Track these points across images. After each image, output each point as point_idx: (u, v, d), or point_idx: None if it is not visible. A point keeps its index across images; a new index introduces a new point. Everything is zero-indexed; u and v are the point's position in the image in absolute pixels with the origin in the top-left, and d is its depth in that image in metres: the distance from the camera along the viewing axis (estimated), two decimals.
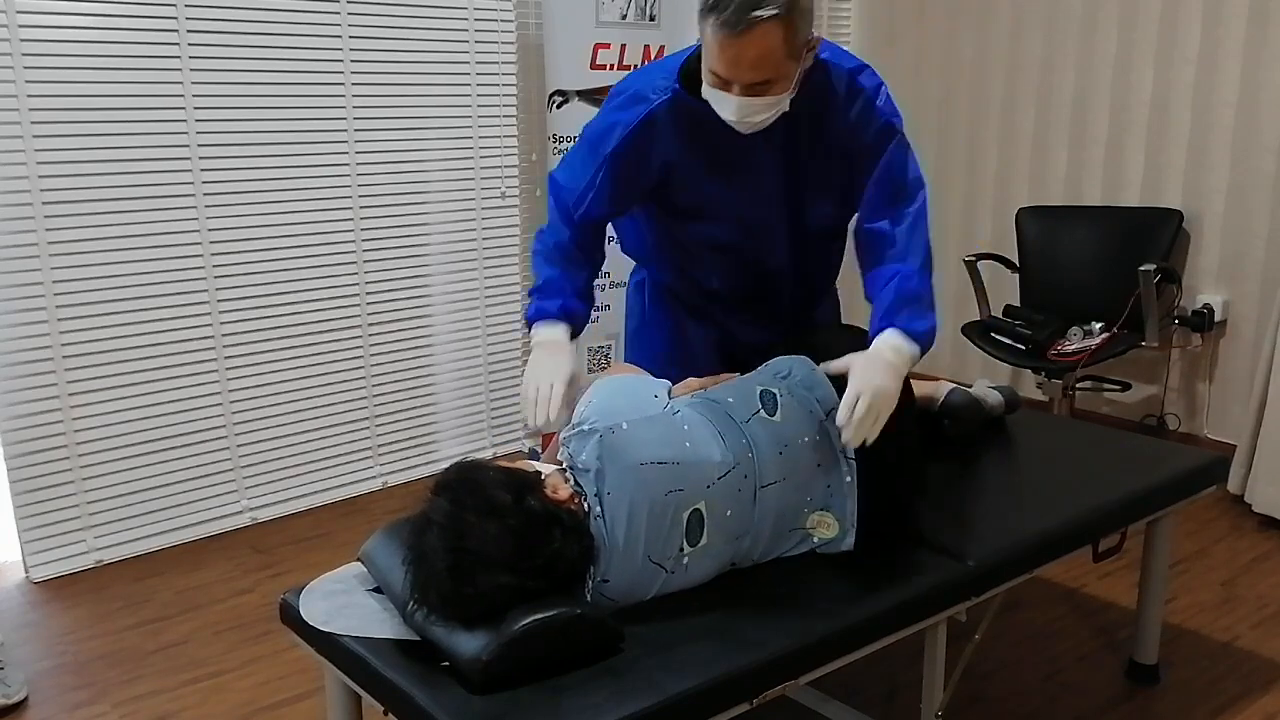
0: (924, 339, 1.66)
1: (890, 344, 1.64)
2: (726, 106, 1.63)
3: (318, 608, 1.54)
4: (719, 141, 1.73)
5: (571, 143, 3.20)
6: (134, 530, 2.95)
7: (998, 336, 3.46)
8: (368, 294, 3.28)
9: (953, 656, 1.78)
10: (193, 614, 2.63)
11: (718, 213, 1.87)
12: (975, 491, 2.07)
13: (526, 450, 3.62)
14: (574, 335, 1.78)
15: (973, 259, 3.69)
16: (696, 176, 1.81)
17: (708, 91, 1.65)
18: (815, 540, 1.66)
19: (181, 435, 2.99)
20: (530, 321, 1.79)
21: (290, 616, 1.58)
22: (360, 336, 3.29)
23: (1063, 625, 2.52)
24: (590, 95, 3.26)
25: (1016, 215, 3.77)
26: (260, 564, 2.91)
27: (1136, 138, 3.61)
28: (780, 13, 1.53)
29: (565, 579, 1.45)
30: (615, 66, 3.29)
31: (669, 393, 1.69)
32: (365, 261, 3.25)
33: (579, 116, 3.22)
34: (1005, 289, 3.75)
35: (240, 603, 2.69)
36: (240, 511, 3.13)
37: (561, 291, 1.78)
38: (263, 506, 3.17)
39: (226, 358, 3.04)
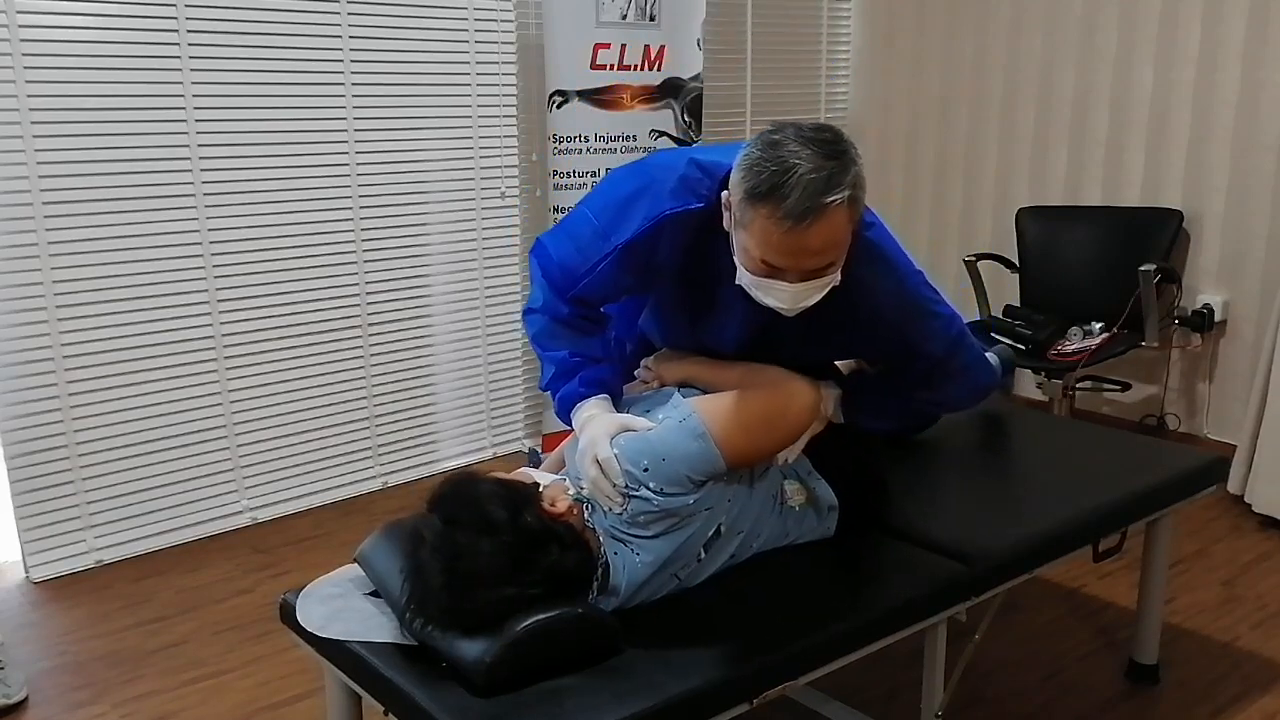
0: (859, 426, 1.74)
1: (824, 408, 1.70)
2: (776, 294, 1.44)
3: (314, 612, 1.53)
4: (707, 275, 1.57)
5: (570, 142, 3.24)
6: (134, 530, 2.95)
7: (997, 337, 3.45)
8: (368, 294, 3.27)
9: (953, 657, 1.78)
10: (193, 614, 2.63)
11: (674, 336, 1.80)
12: (975, 492, 2.06)
13: (526, 450, 3.60)
14: (614, 392, 1.68)
15: (973, 259, 3.69)
16: (667, 293, 1.70)
17: (748, 279, 1.46)
18: (796, 508, 1.68)
19: (182, 435, 2.98)
20: (563, 418, 1.66)
21: (290, 617, 1.58)
22: (360, 336, 3.28)
23: (1063, 625, 2.51)
24: (590, 95, 3.26)
25: (1017, 215, 3.77)
26: (261, 564, 2.90)
27: (1136, 137, 3.60)
28: (851, 192, 1.36)
29: (567, 587, 1.45)
30: (615, 66, 3.28)
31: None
32: (365, 261, 3.24)
33: (579, 116, 3.25)
34: (1005, 289, 3.75)
35: (241, 603, 2.68)
36: (240, 511, 3.12)
37: (574, 368, 1.65)
38: (263, 506, 3.17)
39: (226, 358, 3.03)
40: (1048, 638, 2.45)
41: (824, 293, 1.46)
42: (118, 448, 2.89)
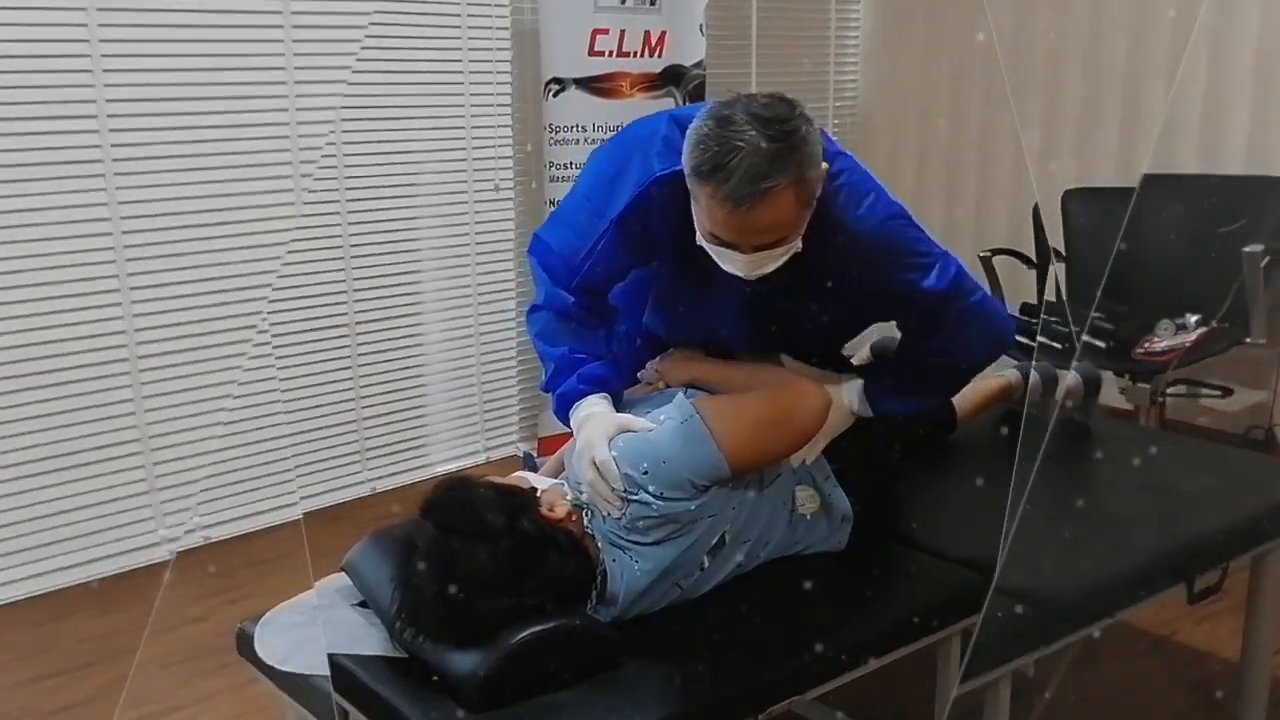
0: (884, 410, 1.72)
1: (848, 402, 1.70)
2: (733, 262, 1.51)
3: (275, 643, 1.49)
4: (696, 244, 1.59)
5: (568, 132, 3.24)
6: (36, 565, 2.63)
7: (1020, 339, 3.06)
8: (355, 290, 3.17)
9: (1018, 717, 1.66)
10: (124, 656, 2.33)
11: (677, 313, 1.82)
12: (1045, 518, 1.77)
13: (521, 454, 3.55)
14: (615, 390, 1.68)
15: (988, 255, 3.45)
16: (666, 267, 1.73)
17: (708, 246, 1.51)
18: (808, 517, 1.67)
19: (141, 440, 2.75)
20: (561, 417, 1.66)
21: (248, 647, 1.52)
22: (348, 335, 3.18)
23: (1151, 681, 2.32)
24: (588, 83, 3.22)
25: (1063, 199, 3.45)
26: (217, 587, 2.66)
27: (1241, 94, 3.26)
28: (796, 175, 1.39)
29: (565, 596, 1.44)
30: (614, 53, 3.25)
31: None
32: (353, 257, 3.16)
33: (576, 105, 3.22)
34: (1019, 287, 3.48)
35: (193, 631, 2.43)
36: (190, 531, 2.89)
37: (574, 365, 1.65)
38: (230, 521, 2.96)
39: (138, 356, 2.74)
40: (1132, 695, 2.25)
41: (780, 261, 1.50)
42: (11, 465, 2.57)
